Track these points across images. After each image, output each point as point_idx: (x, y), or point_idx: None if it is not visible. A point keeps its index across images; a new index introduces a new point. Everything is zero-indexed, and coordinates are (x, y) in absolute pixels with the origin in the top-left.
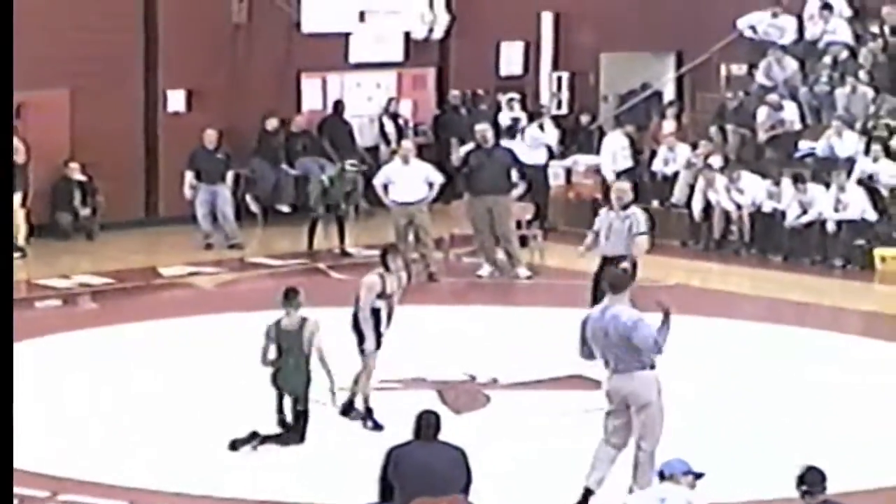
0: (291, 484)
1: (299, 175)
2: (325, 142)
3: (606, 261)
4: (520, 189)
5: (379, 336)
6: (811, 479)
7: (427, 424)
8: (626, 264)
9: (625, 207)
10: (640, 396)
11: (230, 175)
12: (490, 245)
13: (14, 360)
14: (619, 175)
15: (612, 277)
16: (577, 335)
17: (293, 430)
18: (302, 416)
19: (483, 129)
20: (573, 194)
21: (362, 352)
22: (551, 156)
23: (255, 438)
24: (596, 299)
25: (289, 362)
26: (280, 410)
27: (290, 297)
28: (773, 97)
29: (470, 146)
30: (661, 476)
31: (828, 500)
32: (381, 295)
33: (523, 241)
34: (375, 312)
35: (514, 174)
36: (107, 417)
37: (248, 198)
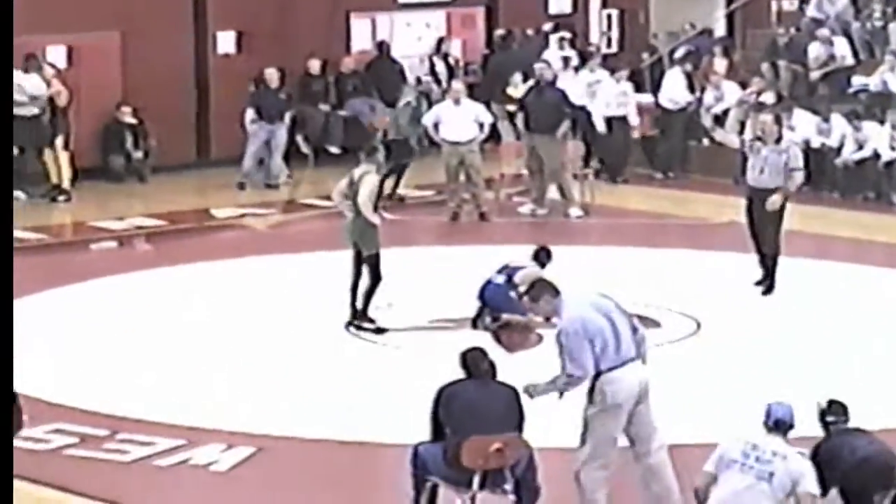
0: (346, 422)
1: (348, 116)
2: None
3: (755, 193)
4: (563, 128)
5: None
6: (835, 410)
7: (474, 362)
8: (777, 197)
9: (777, 141)
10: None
11: (288, 115)
12: (539, 183)
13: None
14: (675, 111)
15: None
16: (575, 344)
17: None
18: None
19: (541, 67)
20: None
21: None
22: None
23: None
24: (754, 232)
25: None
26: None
27: (371, 152)
28: (822, 32)
29: (531, 83)
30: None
31: (848, 429)
32: None
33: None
34: None
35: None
36: (164, 358)
37: (298, 138)
